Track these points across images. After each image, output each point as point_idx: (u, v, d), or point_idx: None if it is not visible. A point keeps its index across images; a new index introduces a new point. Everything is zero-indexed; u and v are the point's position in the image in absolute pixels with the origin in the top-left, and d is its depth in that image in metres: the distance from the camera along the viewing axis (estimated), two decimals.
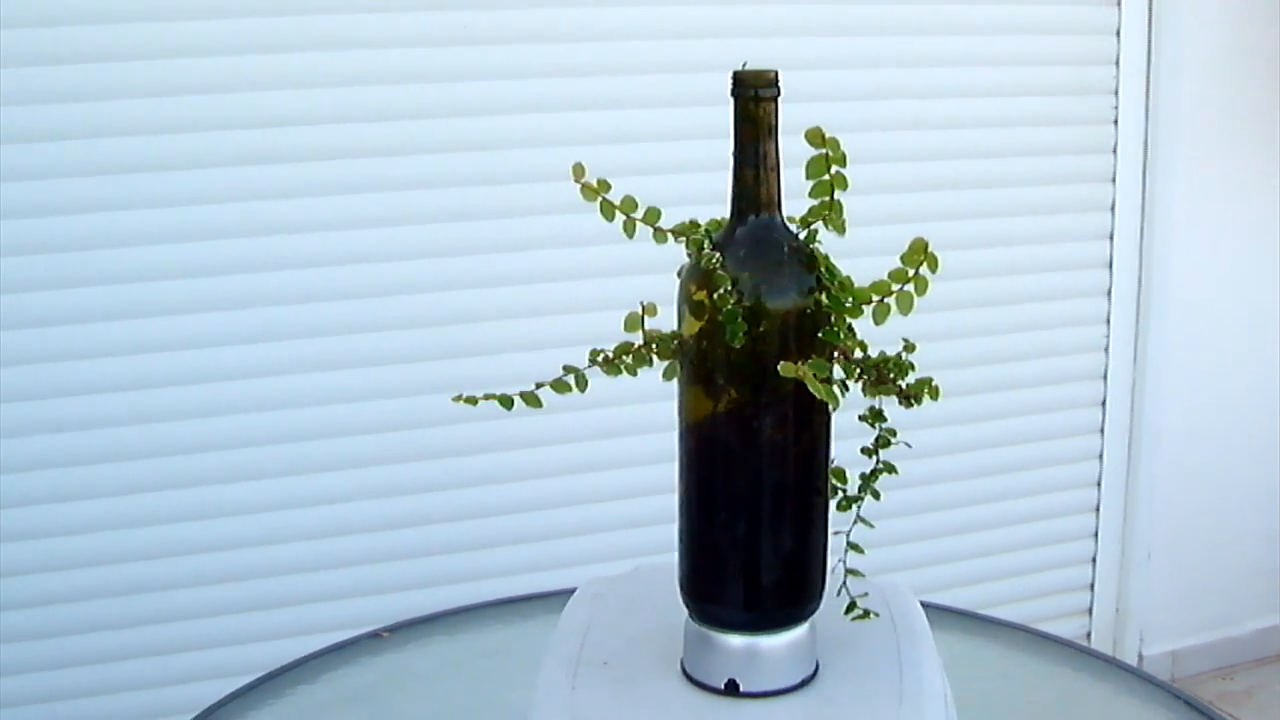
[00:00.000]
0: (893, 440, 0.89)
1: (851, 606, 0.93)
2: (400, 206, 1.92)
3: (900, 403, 0.85)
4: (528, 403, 0.86)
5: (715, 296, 0.80)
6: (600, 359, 0.85)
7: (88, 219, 1.79)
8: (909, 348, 0.85)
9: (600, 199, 0.84)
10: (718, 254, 0.80)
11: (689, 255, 0.84)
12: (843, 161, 0.82)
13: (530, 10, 1.92)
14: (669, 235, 0.84)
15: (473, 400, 0.87)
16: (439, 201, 1.94)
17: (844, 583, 0.93)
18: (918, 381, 0.84)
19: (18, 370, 1.80)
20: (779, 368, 0.80)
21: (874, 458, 0.88)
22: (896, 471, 0.88)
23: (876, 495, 0.89)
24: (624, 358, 0.84)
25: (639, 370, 0.85)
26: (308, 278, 1.90)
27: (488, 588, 1.98)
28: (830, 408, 0.82)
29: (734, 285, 0.80)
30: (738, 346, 0.80)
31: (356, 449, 1.97)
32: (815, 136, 0.82)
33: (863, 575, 0.93)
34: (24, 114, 1.73)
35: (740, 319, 0.80)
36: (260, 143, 1.84)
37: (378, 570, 2.01)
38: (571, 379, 0.85)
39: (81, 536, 1.87)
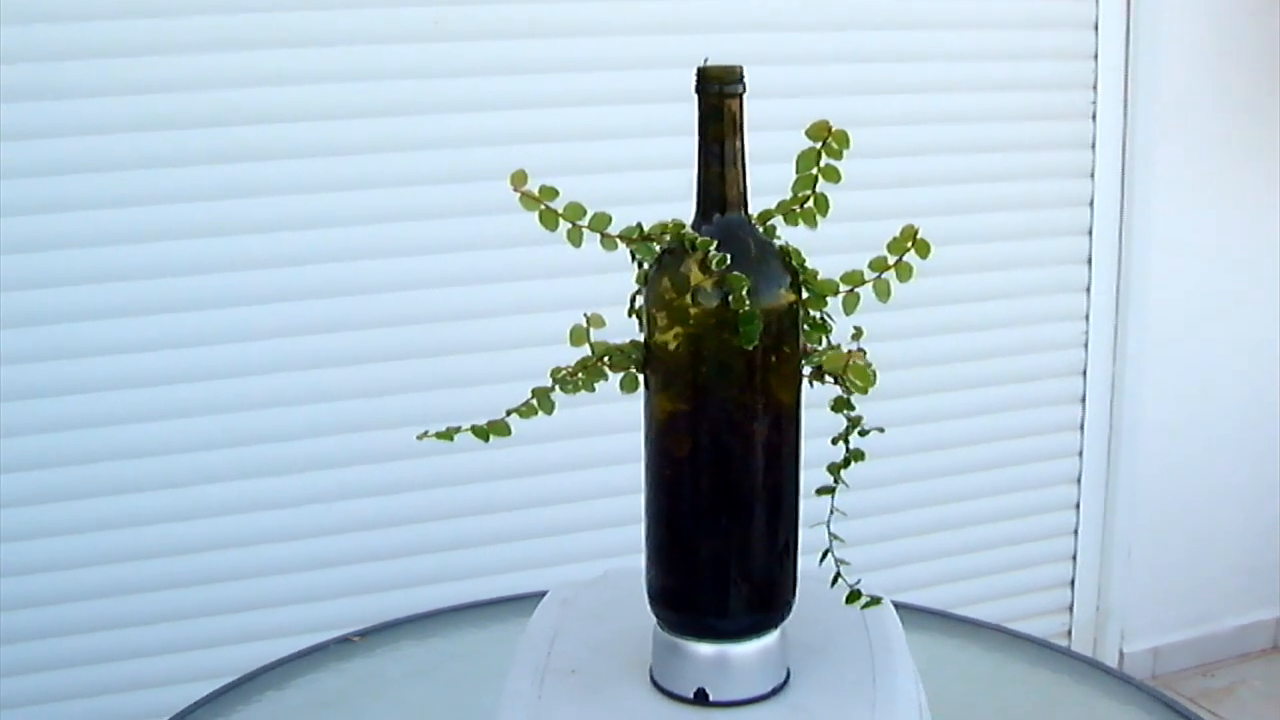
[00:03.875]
0: (863, 428, 0.87)
1: (855, 596, 0.91)
2: (378, 204, 1.91)
3: (842, 389, 0.84)
4: (497, 433, 0.84)
5: (731, 299, 0.78)
6: (561, 376, 0.83)
7: (67, 217, 1.78)
8: (857, 335, 0.85)
9: (541, 207, 0.81)
10: (727, 255, 0.79)
11: (637, 260, 0.83)
12: (839, 155, 0.82)
13: (502, 5, 1.91)
14: (617, 241, 0.83)
15: (448, 435, 0.85)
16: (417, 199, 1.93)
17: (837, 572, 0.91)
18: (852, 366, 0.83)
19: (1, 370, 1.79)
20: (824, 360, 0.80)
21: (844, 445, 0.87)
22: (864, 458, 0.87)
23: (844, 484, 0.87)
24: (577, 375, 0.83)
25: (595, 385, 0.83)
26: (281, 276, 1.89)
27: (461, 589, 1.97)
28: (865, 390, 0.82)
29: (750, 286, 0.78)
30: (750, 348, 0.79)
31: (327, 450, 1.96)
32: (820, 130, 0.81)
33: (849, 564, 0.91)
34: (7, 111, 1.71)
35: (757, 319, 0.78)
36: (233, 140, 1.82)
37: (349, 572, 2.00)
38: (535, 402, 0.83)
39: (50, 540, 1.86)
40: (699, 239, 0.79)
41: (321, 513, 1.97)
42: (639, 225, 0.82)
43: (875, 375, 0.82)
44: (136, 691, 1.92)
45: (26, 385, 1.80)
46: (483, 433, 0.84)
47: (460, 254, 1.96)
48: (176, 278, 1.84)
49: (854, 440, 0.87)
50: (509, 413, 0.84)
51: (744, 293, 0.78)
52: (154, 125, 1.78)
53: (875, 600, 0.91)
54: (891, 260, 0.83)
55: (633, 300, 0.84)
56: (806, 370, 0.84)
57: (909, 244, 0.82)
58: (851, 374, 0.80)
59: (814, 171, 0.83)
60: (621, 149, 2.00)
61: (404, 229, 1.93)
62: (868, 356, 0.83)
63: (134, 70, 1.76)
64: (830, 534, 0.89)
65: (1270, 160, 2.43)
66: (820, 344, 0.85)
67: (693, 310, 0.80)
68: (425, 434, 0.85)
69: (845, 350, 0.81)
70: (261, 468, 1.93)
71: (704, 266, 0.79)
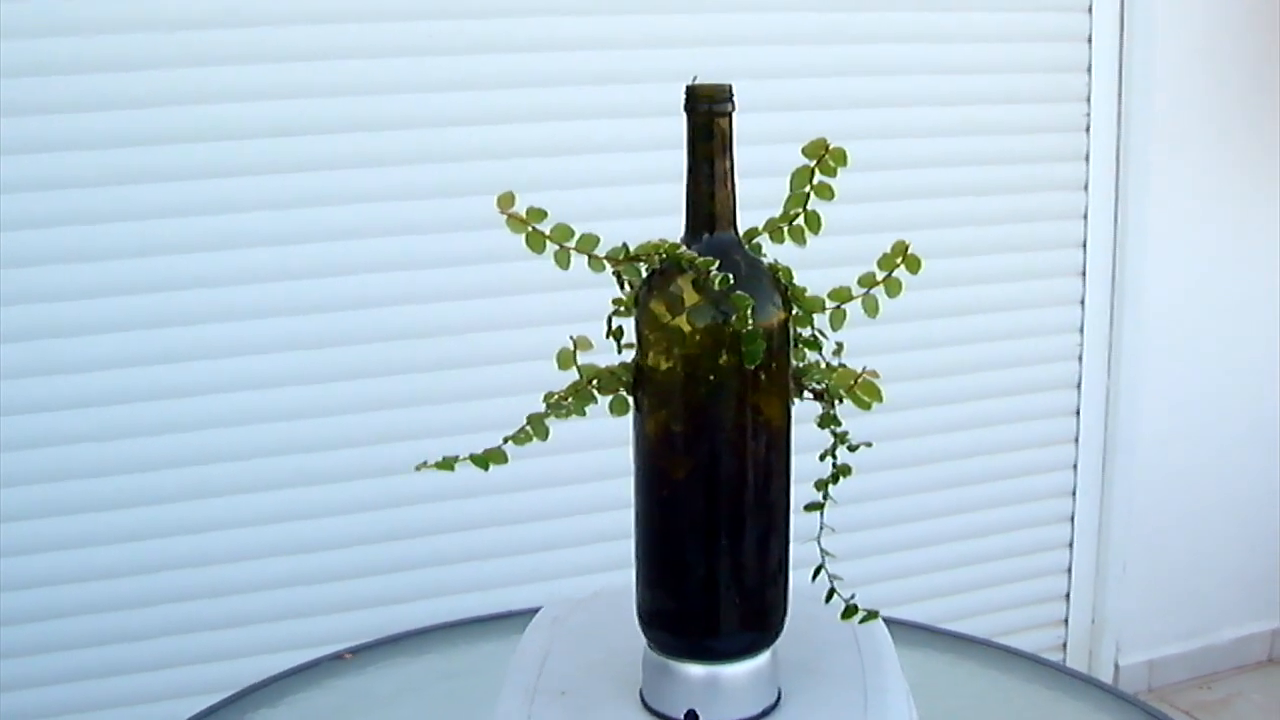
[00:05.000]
0: (848, 443, 0.87)
1: (851, 611, 0.90)
2: (372, 218, 1.91)
3: (823, 405, 0.84)
4: (494, 460, 0.83)
5: (734, 319, 0.78)
6: (554, 401, 0.83)
7: (66, 231, 1.78)
8: (838, 350, 0.85)
9: (529, 229, 0.81)
10: (729, 275, 0.78)
11: (624, 281, 0.82)
12: (833, 172, 0.82)
13: (495, 20, 1.91)
14: (605, 263, 0.82)
15: (447, 465, 0.83)
16: (411, 213, 1.93)
17: (832, 588, 0.90)
18: (861, 384, 0.82)
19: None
20: (836, 375, 0.81)
21: (832, 460, 0.87)
22: (851, 473, 0.87)
23: (832, 500, 0.87)
24: (566, 401, 0.82)
25: (586, 409, 0.83)
26: (282, 290, 1.89)
27: (454, 604, 1.97)
28: (869, 406, 0.82)
29: (753, 304, 0.78)
30: (752, 367, 0.79)
31: (322, 465, 1.95)
32: (817, 148, 0.81)
33: (842, 579, 0.91)
34: (7, 125, 1.71)
35: (760, 339, 0.78)
36: (231, 154, 1.82)
37: (341, 588, 1.99)
38: (530, 428, 0.83)
39: (46, 554, 1.85)
40: (699, 259, 0.79)
41: (312, 528, 1.96)
42: (624, 246, 0.82)
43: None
44: (130, 707, 1.91)
45: (26, 399, 1.80)
46: (482, 461, 0.83)
47: (457, 268, 1.96)
48: (176, 291, 1.84)
49: (841, 455, 0.87)
50: (506, 440, 0.83)
51: (748, 312, 0.78)
52: (153, 139, 1.78)
53: (872, 614, 0.91)
54: (880, 276, 0.83)
55: (609, 321, 0.84)
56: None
57: (899, 259, 0.82)
58: (861, 390, 0.81)
59: (806, 190, 0.82)
60: (613, 163, 1.99)
61: (398, 242, 1.93)
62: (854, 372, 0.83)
63: (133, 85, 1.76)
64: (822, 550, 0.88)
65: (1265, 172, 2.43)
66: (803, 360, 0.85)
67: (690, 331, 0.80)
68: (424, 465, 0.84)
69: (860, 368, 0.81)
70: (255, 483, 1.92)
71: (699, 286, 0.79)
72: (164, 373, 1.85)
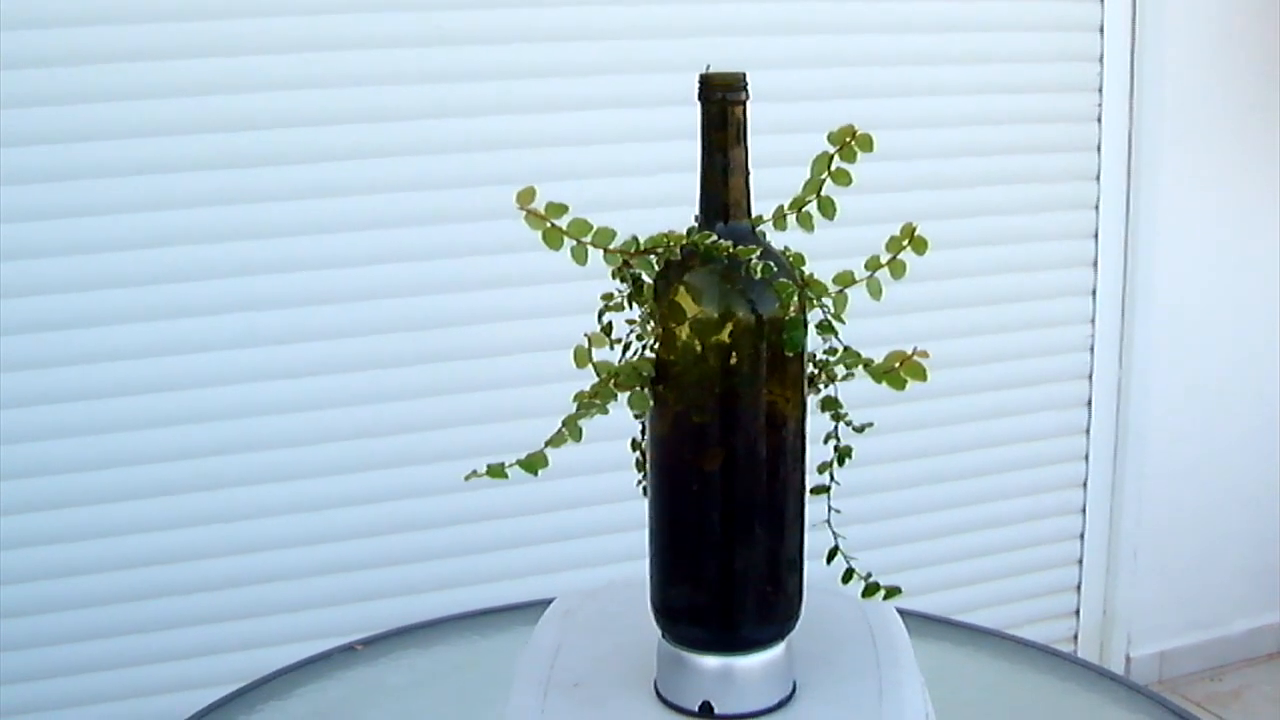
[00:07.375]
0: (852, 425, 0.87)
1: (873, 589, 0.90)
2: (379, 209, 1.91)
3: (811, 391, 0.84)
4: (538, 465, 0.82)
5: (776, 306, 0.78)
6: (584, 401, 0.82)
7: (67, 224, 1.78)
8: (825, 329, 0.85)
9: (547, 225, 0.79)
10: (771, 262, 0.78)
11: (626, 277, 0.81)
12: (853, 158, 0.81)
13: (504, 10, 1.90)
14: (620, 257, 0.81)
15: (499, 472, 0.82)
16: (419, 204, 1.93)
17: (850, 568, 0.90)
18: (907, 366, 0.82)
19: (2, 377, 1.78)
20: (887, 355, 0.81)
21: (835, 443, 0.87)
22: (851, 454, 0.87)
23: (837, 483, 0.87)
24: (593, 400, 0.81)
25: (609, 406, 0.82)
26: (284, 282, 1.89)
27: (465, 596, 1.97)
28: (903, 387, 0.82)
29: (795, 291, 0.78)
30: (790, 355, 0.79)
31: (333, 456, 1.95)
32: (843, 134, 0.81)
33: (857, 559, 0.90)
34: (9, 117, 1.71)
35: (802, 325, 0.78)
36: (236, 146, 1.82)
37: (352, 579, 1.99)
38: (566, 431, 0.82)
39: (51, 547, 1.85)
40: (739, 248, 0.78)
41: (322, 519, 1.96)
42: (635, 239, 0.81)
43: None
44: (139, 699, 1.91)
45: (27, 391, 1.80)
46: (530, 466, 0.81)
47: (464, 259, 1.96)
48: (177, 284, 1.84)
49: (845, 438, 0.87)
50: (547, 443, 0.82)
51: (792, 299, 0.77)
52: (156, 131, 1.78)
53: (894, 590, 0.91)
54: (885, 258, 0.82)
55: (599, 316, 0.83)
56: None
57: (906, 241, 0.81)
58: (905, 371, 0.81)
59: (823, 176, 0.82)
60: (618, 154, 1.99)
61: (406, 234, 1.92)
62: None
63: (136, 75, 1.76)
64: (834, 532, 0.88)
65: (1276, 162, 2.42)
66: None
67: (718, 321, 0.79)
68: (474, 474, 0.82)
69: (911, 352, 0.81)
70: (263, 474, 1.92)
71: (729, 275, 0.78)
72: (172, 364, 1.85)
